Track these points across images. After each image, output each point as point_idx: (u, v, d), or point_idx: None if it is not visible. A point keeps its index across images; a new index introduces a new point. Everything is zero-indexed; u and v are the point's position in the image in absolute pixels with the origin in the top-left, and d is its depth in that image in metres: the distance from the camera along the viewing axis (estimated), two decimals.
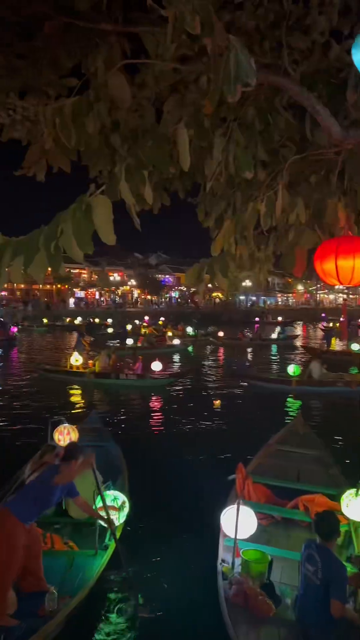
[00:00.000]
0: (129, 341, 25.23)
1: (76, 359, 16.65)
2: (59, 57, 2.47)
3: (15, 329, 31.97)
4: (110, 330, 33.29)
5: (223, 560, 4.44)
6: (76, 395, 14.98)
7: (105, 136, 2.44)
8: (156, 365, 16.46)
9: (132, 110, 2.46)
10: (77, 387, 15.80)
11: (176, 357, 23.89)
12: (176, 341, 26.59)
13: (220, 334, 29.01)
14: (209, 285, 2.96)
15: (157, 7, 1.70)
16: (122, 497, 5.14)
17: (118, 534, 4.89)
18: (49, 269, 1.84)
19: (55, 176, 2.83)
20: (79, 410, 12.61)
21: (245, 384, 16.56)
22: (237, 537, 4.31)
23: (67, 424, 6.83)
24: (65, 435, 6.79)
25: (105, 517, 4.81)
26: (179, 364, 22.31)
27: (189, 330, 31.26)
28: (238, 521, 4.30)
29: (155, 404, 13.93)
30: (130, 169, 1.79)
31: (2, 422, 11.32)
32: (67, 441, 6.61)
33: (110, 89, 2.06)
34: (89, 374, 16.06)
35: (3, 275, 1.86)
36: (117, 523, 4.95)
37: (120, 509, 5.09)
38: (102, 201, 1.69)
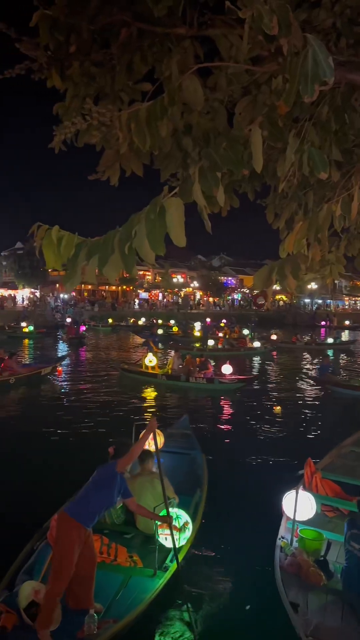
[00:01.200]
0: (210, 342, 25.34)
1: (149, 360, 16.99)
2: (133, 63, 2.53)
3: (84, 328, 33.13)
4: (171, 329, 33.58)
5: (282, 537, 4.95)
6: (150, 396, 15.33)
7: (177, 139, 2.47)
8: (226, 369, 16.44)
9: (204, 112, 2.48)
10: (151, 387, 16.21)
11: (249, 361, 23.62)
12: (257, 344, 26.25)
13: (274, 337, 28.50)
14: (274, 287, 2.92)
15: (235, 8, 1.70)
16: (184, 518, 4.85)
17: (180, 556, 4.66)
18: (122, 270, 1.89)
19: (126, 180, 2.91)
20: (160, 412, 12.81)
21: (320, 388, 16.16)
22: (296, 519, 4.78)
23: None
24: (150, 439, 6.53)
25: (162, 525, 4.58)
26: (250, 367, 22.06)
27: (245, 332, 30.94)
28: (297, 504, 4.73)
29: (225, 407, 13.91)
30: (203, 171, 1.81)
31: (87, 422, 11.74)
32: (152, 445, 6.28)
33: (184, 92, 2.08)
34: (161, 375, 16.36)
35: (78, 275, 1.93)
36: (166, 543, 4.69)
37: (181, 529, 4.77)
38: (175, 203, 1.71)
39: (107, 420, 12.04)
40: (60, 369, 18.26)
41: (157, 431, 6.54)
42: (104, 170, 2.62)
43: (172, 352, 18.37)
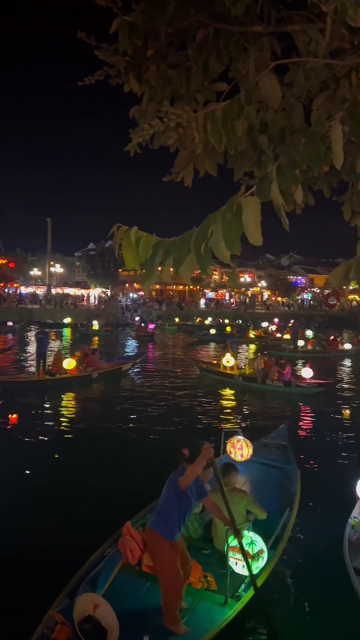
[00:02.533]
0: (300, 343, 25.02)
1: (227, 360, 17.07)
2: (209, 63, 2.54)
3: (152, 326, 33.83)
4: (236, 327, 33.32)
5: (355, 517, 5.20)
6: (227, 396, 15.36)
7: (252, 138, 2.45)
8: (306, 372, 16.05)
9: (280, 109, 2.44)
10: (228, 387, 16.27)
11: (338, 364, 22.90)
12: (347, 346, 25.51)
13: (332, 338, 27.60)
14: (344, 287, 2.82)
15: (318, 2, 1.66)
16: (260, 545, 4.42)
17: (258, 583, 4.32)
18: (197, 269, 1.90)
19: (199, 180, 2.92)
20: (236, 414, 12.71)
21: None
22: None
23: (241, 437, 6.28)
24: (238, 449, 6.20)
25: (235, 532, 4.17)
26: (338, 370, 21.30)
27: (309, 333, 30.14)
28: None
29: (302, 412, 13.51)
30: (281, 169, 1.78)
31: (165, 419, 11.96)
32: (240, 456, 6.11)
33: (260, 90, 2.07)
34: (238, 376, 16.38)
35: (154, 275, 1.97)
36: (243, 571, 4.32)
37: (254, 557, 4.34)
38: (252, 202, 1.70)
39: (184, 417, 12.17)
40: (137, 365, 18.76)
41: (245, 441, 6.30)
42: (178, 171, 2.65)
43: (258, 354, 18.24)
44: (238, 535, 4.17)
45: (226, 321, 41.01)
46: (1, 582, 5.11)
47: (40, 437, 10.42)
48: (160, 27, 2.35)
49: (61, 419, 12.00)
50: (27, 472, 8.29)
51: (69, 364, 15.76)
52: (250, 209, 1.70)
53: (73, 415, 12.53)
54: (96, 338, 30.61)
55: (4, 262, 63.08)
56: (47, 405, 13.38)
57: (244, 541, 4.27)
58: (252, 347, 27.89)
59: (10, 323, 34.26)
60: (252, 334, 30.72)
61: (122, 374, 17.55)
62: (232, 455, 6.20)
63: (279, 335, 30.80)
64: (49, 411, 12.85)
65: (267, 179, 1.78)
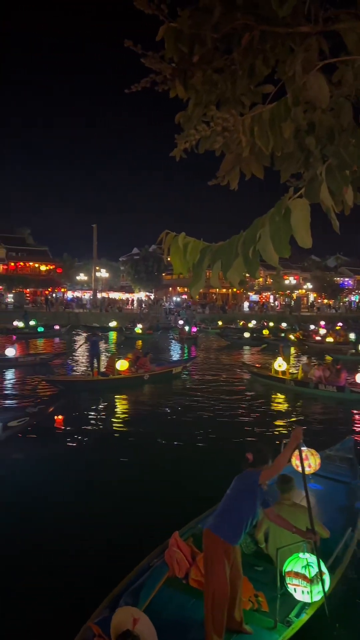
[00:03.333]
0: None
1: (279, 364, 16.85)
2: (255, 66, 2.52)
3: (195, 329, 33.96)
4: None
5: None
6: (279, 401, 15.16)
7: (299, 139, 2.42)
8: None
9: (328, 109, 2.39)
10: (279, 392, 16.06)
11: None
12: None
13: None
14: None
15: None
16: (317, 567, 3.97)
17: (310, 612, 3.98)
18: (246, 274, 1.89)
19: (245, 183, 2.91)
20: (289, 419, 12.51)
21: None
22: None
23: (305, 447, 5.90)
24: (304, 459, 5.57)
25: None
26: None
27: (352, 336, 29.37)
28: None
29: (357, 420, 13.10)
30: (331, 170, 1.75)
31: (217, 423, 11.92)
32: (308, 466, 5.77)
33: (308, 90, 2.04)
34: (290, 381, 16.14)
35: (202, 280, 1.97)
36: (303, 598, 3.93)
37: (312, 581, 3.90)
38: (301, 204, 1.68)
39: (236, 423, 12.04)
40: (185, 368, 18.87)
41: (311, 450, 6.01)
42: (224, 175, 2.64)
43: (306, 359, 17.98)
44: (314, 543, 3.90)
45: (271, 324, 40.52)
46: (43, 587, 5.08)
47: (91, 437, 10.66)
48: (206, 32, 2.35)
49: (113, 419, 12.28)
50: (75, 473, 8.44)
51: (121, 365, 16.25)
52: (299, 211, 1.68)
53: (124, 416, 12.81)
54: (139, 341, 30.96)
55: (51, 267, 64.86)
56: (100, 405, 13.82)
57: (300, 564, 3.94)
58: (293, 350, 27.35)
59: (57, 327, 35.13)
60: (291, 337, 30.23)
61: (173, 376, 17.79)
62: (299, 469, 5.90)
63: (318, 338, 30.15)
64: (101, 411, 13.25)
65: (317, 181, 1.75)
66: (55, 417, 11.50)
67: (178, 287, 64.50)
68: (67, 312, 46.62)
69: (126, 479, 8.14)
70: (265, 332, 33.85)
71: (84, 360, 21.76)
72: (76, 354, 24.25)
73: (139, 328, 34.32)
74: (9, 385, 16.71)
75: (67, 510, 6.94)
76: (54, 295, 57.95)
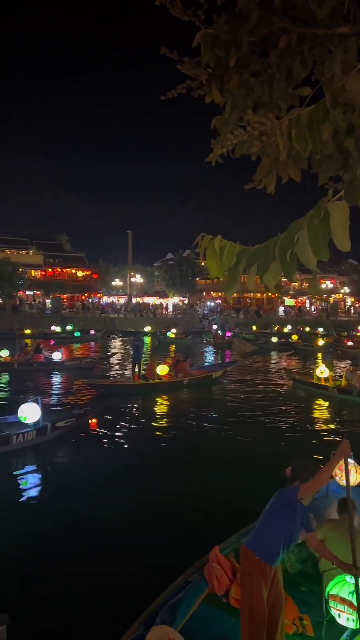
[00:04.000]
0: None
1: (321, 371, 16.60)
2: (292, 68, 2.50)
3: (229, 334, 33.85)
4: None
5: None
6: (323, 410, 14.87)
7: (337, 141, 2.38)
8: None
9: None
10: (322, 399, 15.77)
11: None
12: None
13: None
14: None
15: None
16: None
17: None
18: (282, 277, 1.88)
19: (281, 187, 2.88)
20: (332, 430, 12.12)
21: None
22: None
23: (351, 460, 5.62)
24: (347, 476, 5.44)
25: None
26: None
27: None
28: None
29: None
30: None
31: (257, 432, 11.67)
32: (343, 479, 5.31)
33: (347, 92, 2.01)
34: (332, 388, 15.89)
35: (238, 283, 1.97)
36: (347, 624, 3.66)
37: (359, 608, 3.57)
38: (340, 207, 1.66)
39: (279, 431, 11.78)
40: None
41: (355, 466, 5.65)
42: (261, 178, 2.63)
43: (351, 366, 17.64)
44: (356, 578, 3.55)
45: (307, 329, 39.91)
46: (78, 601, 5.00)
47: (130, 441, 10.78)
48: (242, 36, 2.35)
49: (152, 424, 12.41)
50: (113, 477, 8.48)
51: (161, 369, 16.60)
52: (338, 214, 1.65)
53: (164, 420, 12.89)
54: (172, 346, 31.01)
55: (88, 273, 65.90)
56: (140, 409, 14.09)
57: (347, 589, 3.67)
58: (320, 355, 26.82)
59: (92, 331, 35.65)
60: (320, 342, 29.64)
61: (213, 381, 17.82)
62: (341, 480, 5.62)
63: (350, 343, 29.49)
64: (141, 414, 13.46)
65: (356, 183, 1.72)
66: (90, 420, 11.70)
67: (212, 292, 64.38)
68: (102, 317, 47.23)
69: (165, 486, 8.07)
70: (294, 337, 33.26)
71: (126, 364, 22.03)
72: (119, 358, 24.65)
73: (172, 333, 34.43)
74: (56, 388, 17.33)
75: (104, 515, 6.96)
76: (90, 300, 58.83)
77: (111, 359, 24.31)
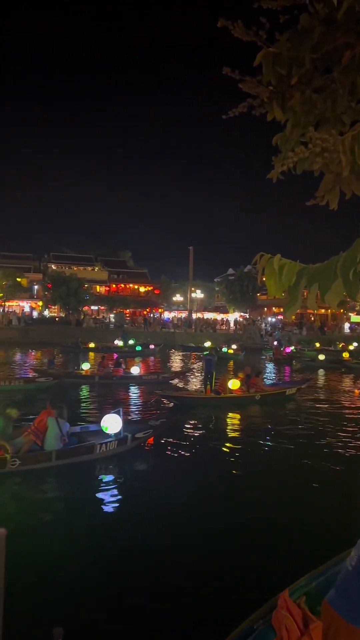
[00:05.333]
0: None
1: None
2: (356, 83, 2.45)
3: (289, 349, 33.16)
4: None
5: None
6: None
7: None
8: None
9: None
10: None
11: None
12: None
13: None
14: None
15: None
16: None
17: None
18: (345, 296, 1.82)
19: (344, 203, 2.81)
20: None
21: None
22: None
23: None
24: None
25: None
26: None
27: None
28: None
29: None
30: None
31: (335, 458, 10.92)
32: None
33: None
34: None
35: (298, 302, 1.92)
36: None
37: None
38: None
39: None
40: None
41: None
42: (323, 194, 2.58)
43: None
44: None
45: None
46: (129, 629, 4.77)
47: (202, 455, 10.77)
48: (305, 53, 2.34)
49: (224, 438, 12.33)
50: (181, 494, 8.35)
51: (233, 384, 16.60)
52: None
53: (235, 435, 12.78)
54: (231, 362, 30.73)
55: (149, 289, 67.07)
56: (212, 422, 14.12)
57: None
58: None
59: (152, 346, 36.08)
60: (345, 356, 28.25)
61: (286, 398, 17.56)
62: None
63: None
64: (213, 428, 13.48)
65: None
66: (165, 431, 11.93)
67: (273, 308, 63.46)
68: (163, 332, 47.77)
69: (232, 507, 7.78)
70: (345, 355, 31.83)
71: (198, 378, 22.21)
72: (193, 372, 24.91)
73: (229, 348, 34.20)
74: (134, 400, 17.87)
75: (170, 532, 6.86)
76: (151, 315, 59.75)
77: (186, 373, 24.64)
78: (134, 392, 19.35)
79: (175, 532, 6.83)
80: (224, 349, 34.00)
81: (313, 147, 2.00)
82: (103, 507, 7.82)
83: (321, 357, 30.48)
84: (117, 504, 7.95)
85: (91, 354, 33.83)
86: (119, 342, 36.83)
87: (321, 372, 27.69)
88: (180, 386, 20.41)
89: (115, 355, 31.07)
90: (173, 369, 26.57)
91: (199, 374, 23.36)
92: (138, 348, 35.03)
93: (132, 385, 20.27)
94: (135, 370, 21.38)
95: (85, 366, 21.62)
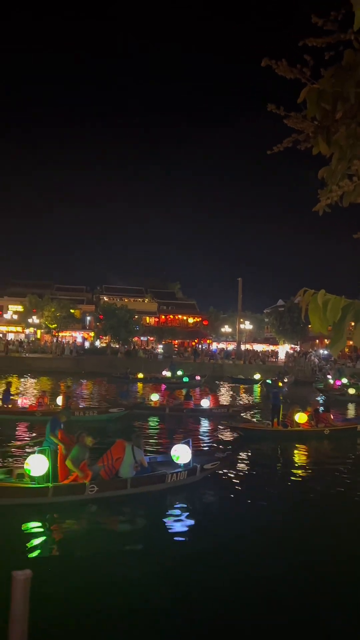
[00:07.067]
0: None
1: None
2: None
3: (339, 383, 32.19)
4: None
5: None
6: None
7: None
8: None
9: None
10: None
11: None
12: None
13: None
14: None
15: None
16: None
17: None
18: None
19: None
20: None
21: None
22: None
23: None
24: None
25: None
26: None
27: None
28: None
29: None
30: None
31: None
32: None
33: None
34: None
35: (344, 339, 1.86)
36: None
37: None
38: None
39: None
40: None
41: None
42: None
43: None
44: None
45: None
46: None
47: (269, 488, 10.71)
48: (349, 88, 2.33)
49: (292, 472, 12.18)
50: (249, 527, 8.30)
51: (300, 417, 16.37)
52: None
53: (303, 471, 12.55)
54: (281, 396, 29.90)
55: (198, 320, 67.27)
56: (280, 455, 14.18)
57: None
58: None
59: (198, 377, 35.81)
60: None
61: (357, 433, 17.03)
62: None
63: None
64: (281, 461, 13.54)
65: None
66: (232, 462, 11.95)
67: (325, 340, 61.96)
68: (211, 363, 47.47)
69: (298, 554, 7.38)
70: None
71: (265, 411, 21.97)
72: (261, 406, 24.63)
73: (280, 381, 33.46)
74: (201, 431, 18.02)
75: (242, 562, 6.87)
76: (200, 346, 59.70)
77: (255, 407, 24.36)
78: (201, 423, 19.47)
79: (245, 572, 6.71)
80: (268, 381, 33.37)
81: (359, 180, 1.96)
82: (174, 539, 7.87)
83: (351, 390, 29.34)
84: (186, 538, 7.97)
85: (140, 385, 33.99)
86: (167, 373, 36.86)
87: (350, 406, 26.90)
88: (246, 418, 20.36)
89: (163, 386, 31.10)
90: (243, 403, 26.38)
91: (266, 407, 23.05)
92: (185, 379, 34.90)
93: (200, 417, 20.35)
94: (205, 403, 21.47)
95: (154, 397, 21.91)
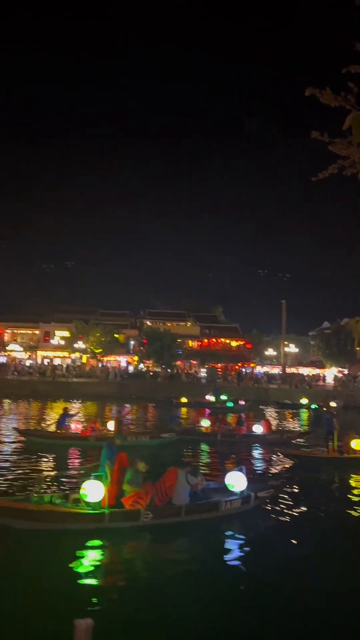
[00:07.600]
0: None
1: None
2: None
3: None
4: None
5: None
6: None
7: None
8: None
9: None
10: None
11: None
12: None
13: None
14: None
15: None
16: None
17: None
18: None
19: None
20: None
21: None
22: None
23: None
24: None
25: None
26: None
27: None
28: None
29: None
30: None
31: None
32: None
33: None
34: None
35: None
36: None
37: None
38: None
39: None
40: None
41: None
42: None
43: None
44: None
45: None
46: None
47: (323, 520, 10.39)
48: None
49: (349, 503, 11.80)
50: (308, 558, 8.13)
51: (357, 444, 16.00)
52: None
53: None
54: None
55: (241, 343, 66.73)
56: (337, 483, 13.84)
57: None
58: None
59: (242, 402, 35.28)
60: None
61: None
62: None
63: None
64: (338, 489, 13.19)
65: None
66: (287, 490, 11.77)
67: None
68: (255, 387, 46.78)
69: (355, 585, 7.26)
70: None
71: (319, 437, 21.43)
72: (315, 432, 24.03)
73: (332, 406, 32.51)
74: (254, 458, 17.78)
75: (302, 596, 6.69)
76: (243, 370, 59.06)
77: (310, 433, 23.71)
78: (253, 450, 19.15)
79: (305, 604, 6.61)
80: (314, 406, 32.48)
81: None
82: (228, 570, 7.70)
83: None
84: (242, 568, 7.77)
85: (184, 409, 33.83)
86: (210, 398, 36.55)
87: None
88: (300, 444, 19.95)
89: (207, 411, 30.82)
90: (297, 429, 25.74)
91: (314, 433, 22.50)
92: (229, 404, 34.48)
93: (253, 444, 19.97)
94: (257, 429, 21.05)
95: (205, 423, 21.65)
